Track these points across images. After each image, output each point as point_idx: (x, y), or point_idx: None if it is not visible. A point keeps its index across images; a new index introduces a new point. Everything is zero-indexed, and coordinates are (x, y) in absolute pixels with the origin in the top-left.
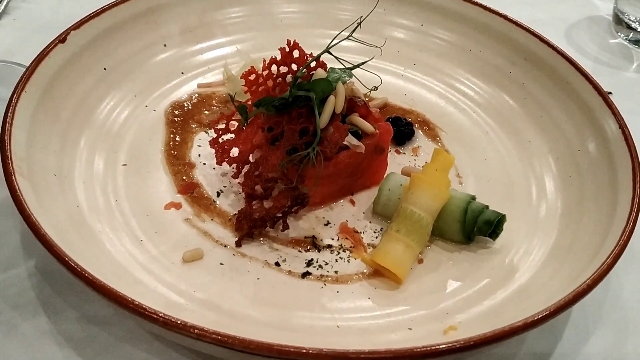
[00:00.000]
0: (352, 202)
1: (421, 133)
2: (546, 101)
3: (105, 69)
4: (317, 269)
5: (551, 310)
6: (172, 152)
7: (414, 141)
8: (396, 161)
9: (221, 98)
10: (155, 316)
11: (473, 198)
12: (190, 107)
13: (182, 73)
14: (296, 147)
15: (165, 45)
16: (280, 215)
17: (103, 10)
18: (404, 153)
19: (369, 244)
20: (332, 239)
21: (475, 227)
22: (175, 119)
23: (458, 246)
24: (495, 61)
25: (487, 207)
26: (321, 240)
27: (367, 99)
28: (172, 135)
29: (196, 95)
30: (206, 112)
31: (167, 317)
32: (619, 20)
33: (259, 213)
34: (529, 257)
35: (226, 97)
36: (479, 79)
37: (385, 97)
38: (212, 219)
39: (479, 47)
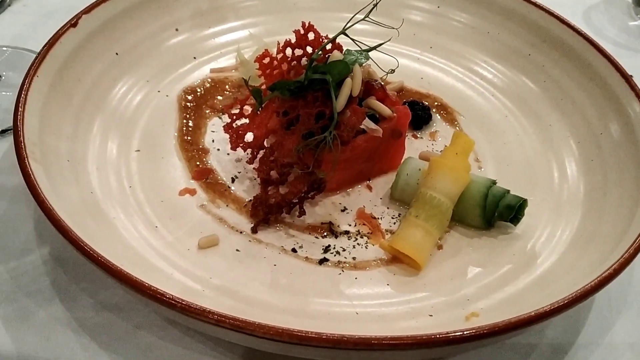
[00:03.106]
0: (369, 188)
1: (438, 117)
2: (566, 84)
3: (117, 53)
4: (335, 256)
5: (575, 296)
6: (186, 137)
7: (432, 125)
8: (413, 146)
9: (234, 83)
10: (174, 302)
11: (494, 182)
12: (203, 92)
13: (195, 58)
14: (312, 132)
15: (177, 30)
16: (297, 201)
17: None
18: (422, 138)
19: (387, 230)
20: (350, 225)
21: (496, 212)
22: (188, 104)
23: (478, 232)
24: (514, 43)
25: (508, 191)
26: (338, 226)
27: (383, 83)
28: (185, 121)
29: (209, 80)
30: (219, 97)
31: (185, 303)
32: (639, 2)
33: (274, 199)
34: (551, 243)
35: (239, 81)
36: (497, 62)
37: (402, 81)
38: (227, 205)
39: (497, 29)
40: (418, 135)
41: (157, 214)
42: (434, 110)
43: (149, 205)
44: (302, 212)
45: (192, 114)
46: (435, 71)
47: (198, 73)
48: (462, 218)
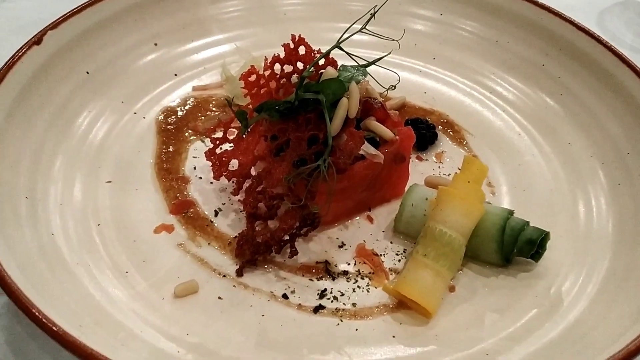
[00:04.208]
0: (370, 219)
1: (445, 136)
2: (586, 97)
3: (87, 72)
4: (332, 302)
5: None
6: (164, 165)
7: (437, 146)
8: (418, 170)
9: (219, 102)
10: None
11: (511, 213)
12: (184, 113)
13: (175, 75)
14: (304, 159)
15: (155, 45)
16: (288, 238)
17: (85, 6)
18: (427, 160)
19: (391, 270)
20: (348, 264)
21: (516, 247)
22: (168, 127)
23: (495, 269)
24: (526, 53)
25: (527, 223)
26: (335, 265)
27: (383, 99)
28: (163, 146)
29: (191, 99)
30: (202, 117)
31: None
32: None
33: (262, 236)
34: (579, 282)
35: (225, 100)
36: (508, 74)
37: (403, 97)
38: (208, 243)
39: (507, 37)
40: (423, 157)
41: (128, 257)
42: (439, 128)
43: (120, 246)
44: (294, 252)
45: (171, 138)
46: (439, 85)
47: (179, 92)
48: (476, 254)
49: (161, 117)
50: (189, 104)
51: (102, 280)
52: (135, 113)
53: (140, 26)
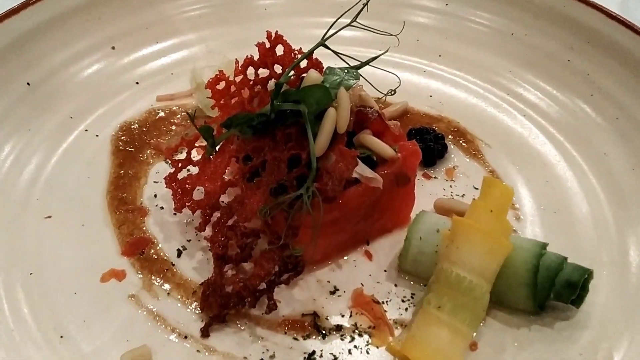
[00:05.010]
0: (368, 256)
1: (456, 148)
2: (621, 96)
3: (28, 84)
4: None
5: None
6: (118, 194)
7: (448, 160)
8: (425, 190)
9: (190, 112)
10: None
11: (544, 247)
12: (147, 127)
13: (137, 83)
14: (284, 185)
15: (113, 48)
16: (265, 287)
17: (23, 5)
18: (436, 177)
19: (396, 322)
20: (343, 316)
21: (552, 291)
22: (126, 146)
23: (525, 318)
24: (547, 46)
25: (565, 260)
26: (326, 318)
27: (381, 106)
28: (119, 169)
29: (155, 111)
30: (171, 130)
31: None
32: None
33: (233, 285)
34: (630, 331)
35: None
36: (527, 71)
37: (405, 102)
38: (168, 294)
39: (524, 29)
40: (431, 175)
41: (66, 315)
42: (449, 138)
43: (57, 299)
44: (273, 306)
45: (129, 159)
46: (446, 86)
47: (141, 103)
48: (502, 299)
49: (118, 134)
50: (153, 117)
51: (29, 347)
52: (86, 130)
53: (93, 27)
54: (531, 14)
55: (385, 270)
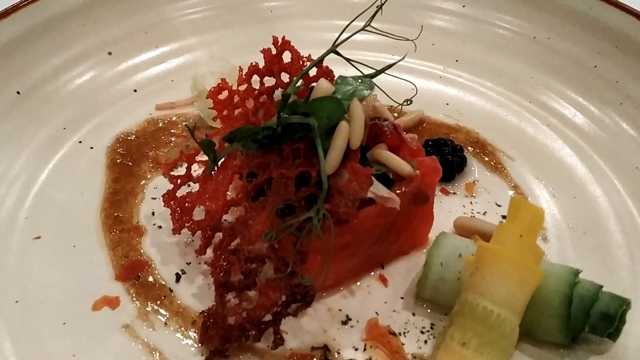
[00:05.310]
0: (384, 281)
1: (476, 161)
2: None
3: (18, 92)
4: None
5: None
6: (113, 212)
7: (467, 174)
8: (443, 207)
9: (190, 124)
10: None
11: (577, 274)
12: (145, 139)
13: (135, 91)
14: (292, 206)
15: (109, 54)
16: (270, 319)
17: (14, 8)
18: (455, 193)
19: (414, 356)
20: (356, 350)
21: (587, 324)
22: (123, 160)
23: (556, 351)
24: (573, 51)
25: (600, 288)
26: (338, 352)
27: (394, 116)
28: (115, 185)
29: (154, 120)
30: (171, 141)
31: None
32: None
33: (236, 316)
34: None
35: (197, 121)
36: (551, 78)
37: (421, 110)
38: (165, 323)
39: (547, 32)
40: (449, 190)
41: (53, 349)
42: (468, 150)
43: (43, 331)
44: (280, 340)
45: (125, 173)
46: (464, 94)
47: (138, 112)
48: (531, 331)
49: (114, 145)
50: (151, 127)
51: None
52: (79, 142)
53: (89, 32)
54: (554, 16)
55: (402, 298)
